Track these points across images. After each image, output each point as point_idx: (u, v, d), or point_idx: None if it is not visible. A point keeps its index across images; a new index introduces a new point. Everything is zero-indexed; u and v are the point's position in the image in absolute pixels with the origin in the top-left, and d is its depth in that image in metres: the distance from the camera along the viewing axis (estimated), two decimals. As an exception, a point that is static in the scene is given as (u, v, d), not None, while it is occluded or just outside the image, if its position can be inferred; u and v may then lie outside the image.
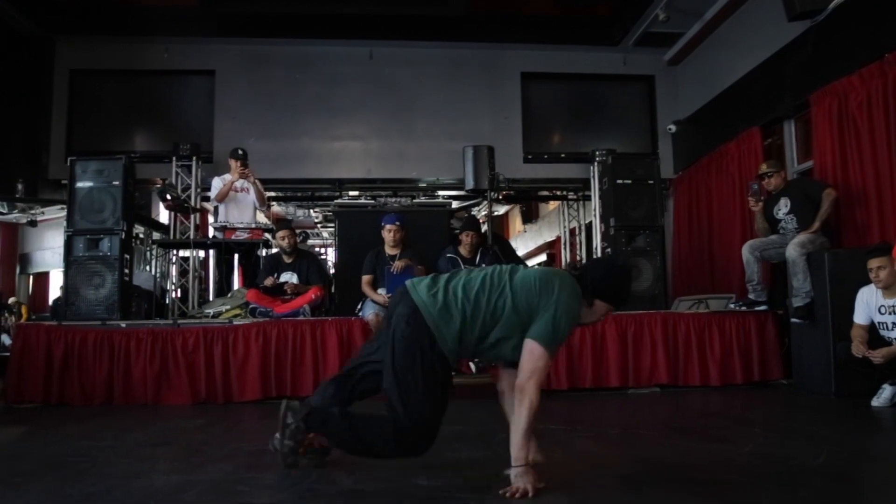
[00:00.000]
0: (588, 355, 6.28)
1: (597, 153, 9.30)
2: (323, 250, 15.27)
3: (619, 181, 7.47)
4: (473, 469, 3.23)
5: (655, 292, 7.25)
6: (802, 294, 5.80)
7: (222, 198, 7.62)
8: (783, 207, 6.38)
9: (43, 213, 10.63)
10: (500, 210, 16.30)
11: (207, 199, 8.56)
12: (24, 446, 4.27)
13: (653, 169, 7.60)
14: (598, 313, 2.97)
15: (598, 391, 6.25)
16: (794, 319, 5.94)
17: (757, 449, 3.58)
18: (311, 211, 11.96)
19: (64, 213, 7.21)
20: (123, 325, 6.11)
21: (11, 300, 11.60)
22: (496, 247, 7.29)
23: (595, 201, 9.43)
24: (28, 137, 9.21)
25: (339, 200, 8.02)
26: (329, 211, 11.45)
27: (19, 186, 8.65)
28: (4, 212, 10.07)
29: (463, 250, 6.52)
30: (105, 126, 9.62)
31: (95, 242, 6.48)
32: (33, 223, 10.86)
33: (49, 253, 12.62)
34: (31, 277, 13.51)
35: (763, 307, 6.52)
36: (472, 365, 6.07)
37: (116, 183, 6.55)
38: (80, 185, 6.57)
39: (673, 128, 9.99)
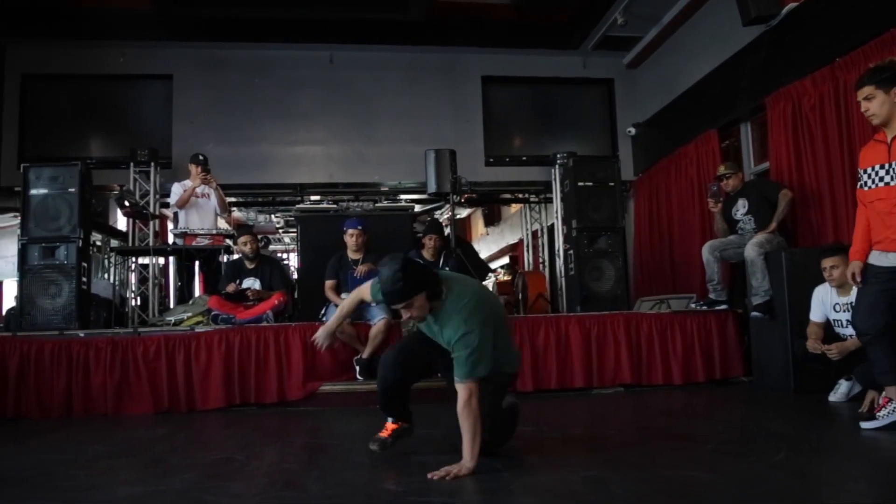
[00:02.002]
0: (552, 356, 6.32)
1: (558, 156, 9.38)
2: (285, 255, 15.15)
3: (581, 183, 7.53)
4: (441, 472, 3.23)
5: (618, 293, 7.33)
6: (761, 293, 5.91)
7: (182, 204, 7.51)
8: (741, 208, 6.49)
9: (-6, 221, 10.38)
10: (463, 213, 16.34)
11: (166, 205, 8.43)
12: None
13: (613, 171, 7.68)
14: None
15: (563, 392, 6.29)
16: (754, 314, 6.04)
17: (720, 446, 3.64)
18: (273, 216, 11.87)
19: (17, 220, 7.05)
20: (82, 335, 5.97)
21: (8, 307, 11.30)
22: (459, 250, 7.31)
23: (557, 204, 9.50)
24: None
25: (301, 205, 7.96)
26: (291, 216, 11.37)
27: (-32, 194, 8.43)
28: (-48, 220, 9.81)
29: (426, 254, 6.53)
30: (59, 132, 9.41)
31: (51, 251, 6.33)
32: (-16, 232, 10.60)
33: (2, 262, 12.28)
34: None
35: (723, 306, 6.62)
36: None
37: (72, 190, 6.41)
38: (34, 192, 6.41)
39: (632, 130, 10.12)
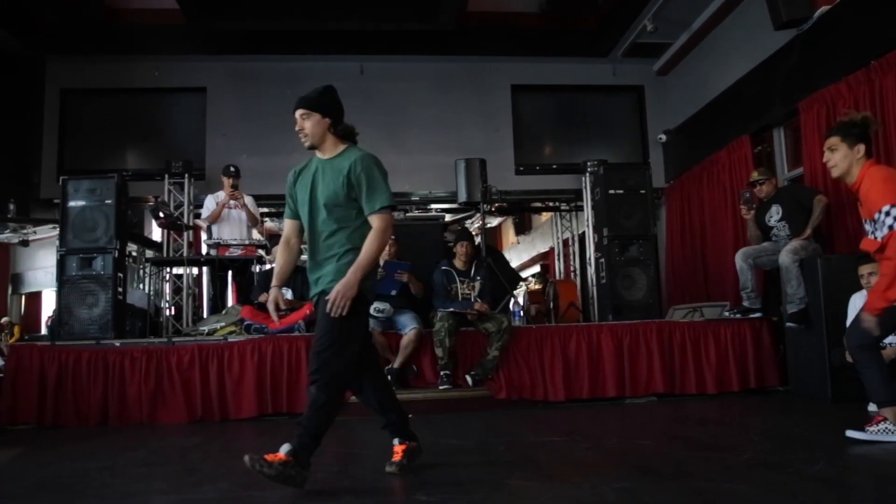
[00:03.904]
0: (584, 366, 6.29)
1: (588, 164, 9.33)
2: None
3: (612, 191, 7.49)
4: (472, 483, 3.22)
5: (650, 301, 7.26)
6: (797, 300, 5.82)
7: (213, 220, 7.60)
8: (775, 214, 6.41)
9: (35, 232, 10.56)
10: (493, 222, 16.31)
11: (199, 216, 8.54)
12: (18, 468, 4.23)
13: (644, 178, 7.62)
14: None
15: (596, 402, 6.25)
16: (789, 324, 5.95)
17: (756, 456, 3.59)
18: (305, 227, 11.93)
19: (56, 232, 7.18)
20: (118, 344, 6.07)
21: (4, 320, 11.53)
22: (490, 259, 7.30)
23: (588, 212, 9.46)
24: (19, 157, 9.20)
25: (333, 215, 7.99)
26: (321, 226, 11.41)
27: (11, 206, 8.61)
28: (-5, 232, 10.02)
29: (458, 262, 6.50)
30: (97, 144, 9.61)
31: (89, 261, 6.46)
32: (25, 243, 10.79)
33: (41, 272, 12.54)
34: (24, 297, 13.42)
35: (758, 314, 6.53)
36: (468, 378, 6.06)
37: (109, 201, 6.54)
38: (72, 204, 6.55)
39: (663, 137, 10.05)
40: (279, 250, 3.58)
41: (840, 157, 3.77)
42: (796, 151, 7.55)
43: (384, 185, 3.26)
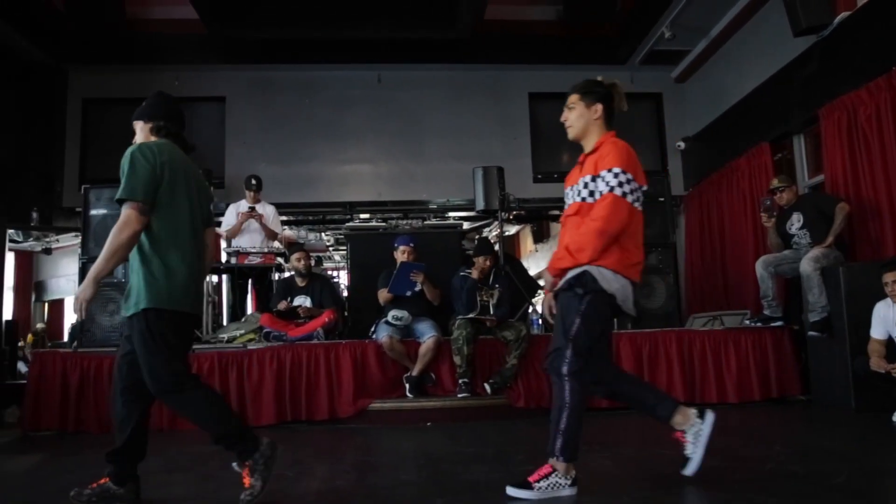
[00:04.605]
0: (603, 374, 6.24)
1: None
2: (335, 273, 15.29)
3: (630, 199, 7.44)
4: (490, 490, 3.21)
5: (669, 310, 7.22)
6: (818, 309, 5.76)
7: (232, 235, 7.64)
8: (796, 222, 6.36)
9: (58, 240, 10.72)
10: (511, 230, 16.29)
11: (219, 224, 8.59)
12: (41, 474, 4.27)
13: (663, 186, 7.59)
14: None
15: (615, 411, 6.19)
16: (811, 333, 5.90)
17: (778, 467, 3.55)
18: (323, 234, 12.00)
19: (78, 240, 7.26)
20: (138, 352, 6.11)
21: (40, 326, 11.67)
22: (508, 267, 7.28)
23: (606, 219, 9.40)
24: (42, 166, 9.30)
25: (351, 223, 8.04)
26: (341, 234, 11.48)
27: (34, 215, 8.72)
28: (19, 240, 10.15)
29: (475, 272, 6.46)
30: (118, 153, 9.47)
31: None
32: (48, 251, 10.95)
33: (64, 280, 12.66)
34: (46, 305, 13.56)
35: (779, 323, 6.47)
36: (486, 386, 6.04)
37: (129, 210, 6.58)
38: (94, 212, 6.63)
39: (682, 144, 9.99)
40: None
41: (576, 117, 3.39)
42: (817, 159, 7.49)
43: (132, 177, 3.05)
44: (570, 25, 9.33)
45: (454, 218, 9.65)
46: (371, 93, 9.92)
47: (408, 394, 6.04)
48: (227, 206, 8.07)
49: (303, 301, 6.66)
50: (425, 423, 5.79)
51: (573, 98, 3.41)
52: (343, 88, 9.90)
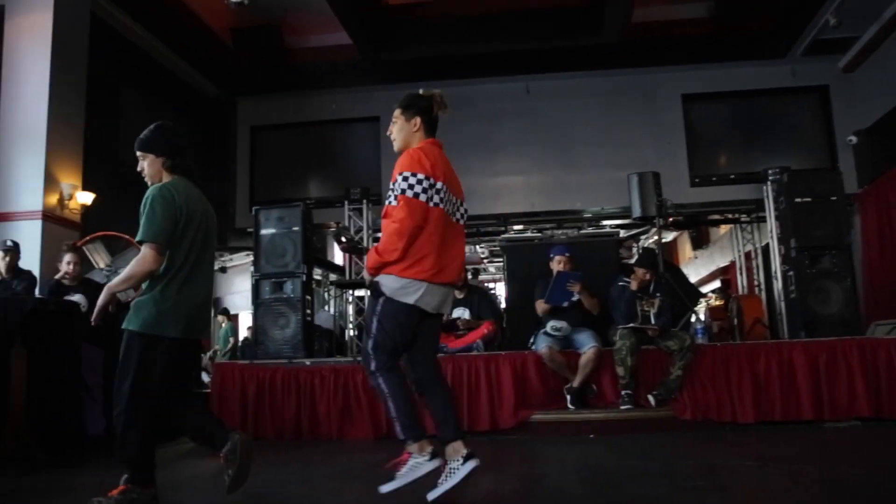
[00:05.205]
0: (776, 385, 5.89)
1: (770, 172, 8.82)
2: (492, 285, 15.40)
3: (798, 199, 7.00)
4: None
5: (846, 316, 6.70)
6: None
7: None
8: None
9: (231, 259, 11.49)
10: (668, 237, 15.82)
11: (377, 239, 8.87)
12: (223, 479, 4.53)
13: (835, 184, 7.08)
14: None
15: (790, 424, 5.83)
16: None
17: None
18: (477, 247, 12.13)
19: (249, 258, 7.72)
20: (308, 363, 6.41)
21: (244, 337, 12.50)
22: (668, 275, 7.06)
23: (771, 222, 8.90)
24: (217, 191, 10.05)
25: (506, 235, 8.08)
26: (495, 246, 11.58)
27: (212, 236, 9.41)
28: (199, 261, 10.95)
29: (634, 282, 6.27)
30: (283, 175, 10.33)
31: (280, 285, 6.87)
32: (223, 269, 11.76)
33: (238, 296, 13.55)
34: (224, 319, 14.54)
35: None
36: (650, 398, 5.86)
37: (296, 228, 6.94)
38: (264, 232, 7.02)
39: (854, 139, 9.33)
40: None
41: (397, 130, 3.55)
42: None
43: (153, 220, 3.17)
44: (723, 21, 8.98)
45: (611, 226, 9.48)
46: (520, 104, 9.96)
47: (569, 405, 5.95)
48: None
49: (461, 313, 6.73)
50: (588, 435, 5.69)
51: (396, 113, 3.59)
52: (492, 101, 10.01)
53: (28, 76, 6.80)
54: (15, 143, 6.72)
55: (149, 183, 3.37)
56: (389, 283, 3.24)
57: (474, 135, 9.87)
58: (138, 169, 3.39)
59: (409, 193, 3.23)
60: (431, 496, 3.15)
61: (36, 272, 6.03)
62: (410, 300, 3.22)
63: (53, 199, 6.75)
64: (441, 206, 3.31)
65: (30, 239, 6.39)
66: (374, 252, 3.30)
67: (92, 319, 3.25)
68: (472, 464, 3.17)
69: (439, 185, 3.32)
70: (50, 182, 6.71)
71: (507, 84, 9.97)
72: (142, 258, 3.16)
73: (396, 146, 3.59)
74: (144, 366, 3.17)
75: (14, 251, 5.76)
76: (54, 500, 3.52)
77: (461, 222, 3.52)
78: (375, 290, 3.29)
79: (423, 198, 3.23)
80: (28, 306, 5.02)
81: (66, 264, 5.74)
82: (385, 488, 3.20)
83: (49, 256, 6.27)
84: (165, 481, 3.44)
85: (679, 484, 3.58)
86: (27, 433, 5.18)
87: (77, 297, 5.61)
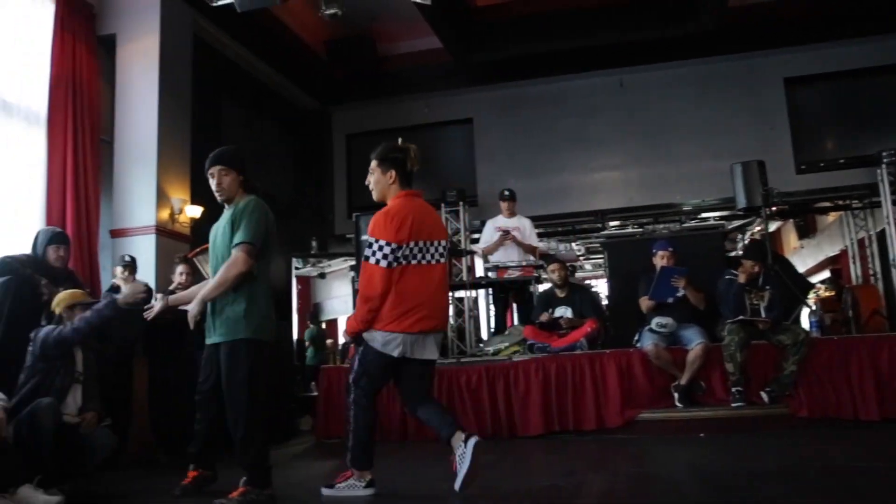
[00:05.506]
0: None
1: (884, 154, 8.37)
2: (594, 283, 15.20)
3: (917, 182, 6.64)
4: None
5: None
6: None
7: (489, 252, 7.82)
8: None
9: (329, 265, 11.77)
10: (772, 227, 15.24)
11: (476, 241, 8.89)
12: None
13: None
14: None
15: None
16: None
17: None
18: (573, 244, 12.01)
19: (346, 264, 7.88)
20: (411, 365, 6.48)
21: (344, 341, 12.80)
22: (777, 266, 6.80)
23: (887, 207, 8.42)
24: (316, 199, 10.34)
25: (607, 232, 7.97)
26: (592, 243, 11.44)
27: (313, 243, 9.69)
28: (300, 267, 11.28)
29: (742, 275, 6.06)
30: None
31: (379, 289, 6.96)
32: (322, 275, 12.06)
33: (336, 301, 13.83)
34: (323, 324, 14.90)
35: None
36: (763, 395, 5.65)
37: (394, 233, 7.02)
38: (364, 237, 7.14)
39: None
40: None
41: (374, 182, 3.75)
42: None
43: (252, 225, 3.45)
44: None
45: (714, 219, 9.20)
46: (614, 98, 9.82)
47: (677, 403, 5.81)
48: (483, 222, 8.32)
49: (564, 312, 6.68)
50: (698, 433, 5.54)
51: (373, 164, 3.76)
52: (586, 97, 9.91)
53: (139, 100, 7.12)
54: (130, 164, 7.06)
55: (221, 198, 3.63)
56: (376, 339, 3.51)
57: (569, 132, 9.80)
58: (215, 183, 3.60)
59: (372, 260, 3.48)
60: (457, 485, 3.40)
61: (152, 284, 6.33)
62: (395, 354, 3.49)
63: (165, 214, 7.05)
64: (411, 262, 3.53)
65: (145, 252, 6.67)
66: (352, 320, 3.64)
67: (190, 326, 3.56)
68: (472, 441, 3.43)
69: (406, 247, 3.51)
70: (161, 198, 7.01)
71: (600, 78, 9.85)
72: (233, 261, 3.42)
73: (374, 196, 3.81)
74: (256, 370, 3.44)
75: (132, 266, 6.07)
76: (180, 500, 3.68)
77: (442, 261, 3.70)
78: (357, 342, 3.65)
79: (383, 264, 3.46)
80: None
81: (179, 275, 6.01)
82: (325, 491, 3.66)
83: (163, 269, 6.55)
84: (280, 482, 3.57)
85: (804, 485, 3.44)
86: (150, 438, 5.48)
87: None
